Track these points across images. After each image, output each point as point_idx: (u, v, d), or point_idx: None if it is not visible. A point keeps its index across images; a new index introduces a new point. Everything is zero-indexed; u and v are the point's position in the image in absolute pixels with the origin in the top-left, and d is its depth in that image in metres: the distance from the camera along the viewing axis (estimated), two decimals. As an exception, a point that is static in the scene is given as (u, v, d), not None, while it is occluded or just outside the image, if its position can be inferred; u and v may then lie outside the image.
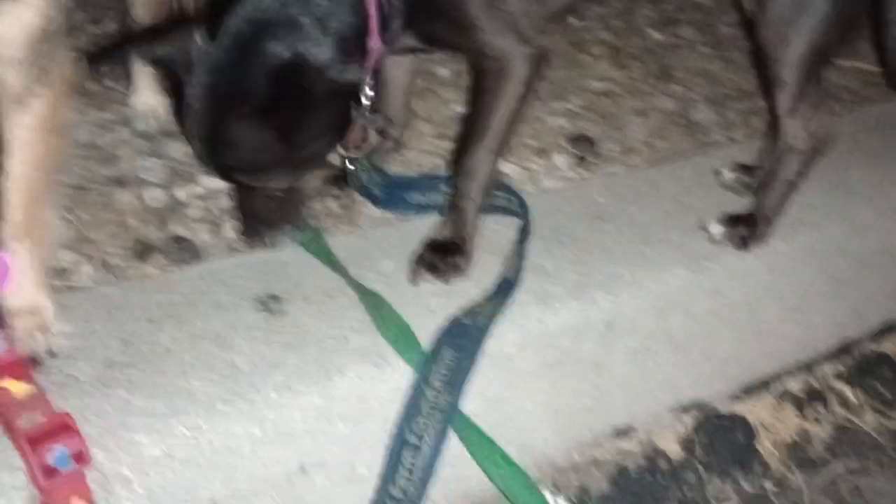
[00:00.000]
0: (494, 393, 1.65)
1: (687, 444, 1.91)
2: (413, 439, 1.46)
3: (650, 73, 2.61)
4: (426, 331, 1.56)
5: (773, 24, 1.78)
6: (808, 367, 2.10)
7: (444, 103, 2.37)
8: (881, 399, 2.07)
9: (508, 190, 1.87)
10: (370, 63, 1.69)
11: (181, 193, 1.94)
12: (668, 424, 1.92)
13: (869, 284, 2.11)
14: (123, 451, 1.34)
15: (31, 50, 1.35)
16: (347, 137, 1.75)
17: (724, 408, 1.98)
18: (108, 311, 1.56)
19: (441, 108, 2.35)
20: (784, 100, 1.83)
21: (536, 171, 2.14)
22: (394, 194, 1.89)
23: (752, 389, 2.02)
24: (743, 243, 1.86)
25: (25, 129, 1.38)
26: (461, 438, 1.53)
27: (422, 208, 1.87)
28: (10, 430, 1.29)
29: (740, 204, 1.95)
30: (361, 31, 1.63)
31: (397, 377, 1.52)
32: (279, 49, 1.53)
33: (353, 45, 1.62)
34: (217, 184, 1.93)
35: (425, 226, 1.80)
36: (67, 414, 1.31)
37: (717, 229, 1.87)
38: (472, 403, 1.58)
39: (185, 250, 1.78)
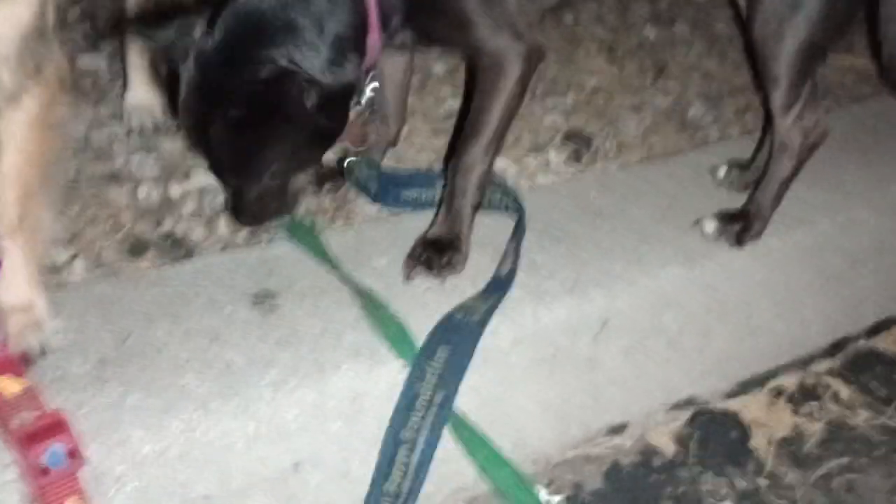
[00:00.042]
0: (489, 389, 1.65)
1: (681, 441, 1.91)
2: (407, 436, 1.46)
3: (645, 70, 2.61)
4: (420, 327, 1.56)
5: (767, 21, 1.78)
6: (801, 363, 2.10)
7: (439, 100, 2.37)
8: (874, 396, 2.07)
9: (504, 187, 1.87)
10: (369, 61, 1.69)
11: (175, 190, 1.94)
12: (662, 421, 1.92)
13: (862, 281, 2.12)
14: (117, 447, 1.34)
15: (24, 47, 1.34)
16: (347, 135, 1.76)
17: (718, 404, 1.99)
18: (101, 308, 1.56)
19: (436, 105, 2.35)
20: (778, 96, 1.83)
21: (531, 168, 2.14)
22: (389, 190, 1.89)
23: (746, 386, 2.02)
24: (737, 240, 1.86)
25: (18, 126, 1.37)
26: (454, 435, 1.53)
27: (417, 204, 1.87)
28: (3, 429, 1.28)
29: (735, 201, 1.95)
30: (360, 30, 1.63)
31: (391, 374, 1.52)
32: (271, 55, 1.53)
33: (351, 45, 1.62)
34: (210, 180, 1.93)
35: (420, 222, 1.80)
36: (61, 412, 1.31)
37: (711, 226, 1.87)
38: (467, 400, 1.58)
39: (178, 247, 1.78)
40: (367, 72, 1.75)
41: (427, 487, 1.49)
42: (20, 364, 1.39)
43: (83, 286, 1.63)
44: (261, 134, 1.56)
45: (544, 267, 1.75)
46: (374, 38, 1.65)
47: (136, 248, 1.78)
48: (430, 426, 1.46)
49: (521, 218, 1.80)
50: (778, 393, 2.05)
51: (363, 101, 1.77)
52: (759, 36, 1.80)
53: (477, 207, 1.73)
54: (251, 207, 1.70)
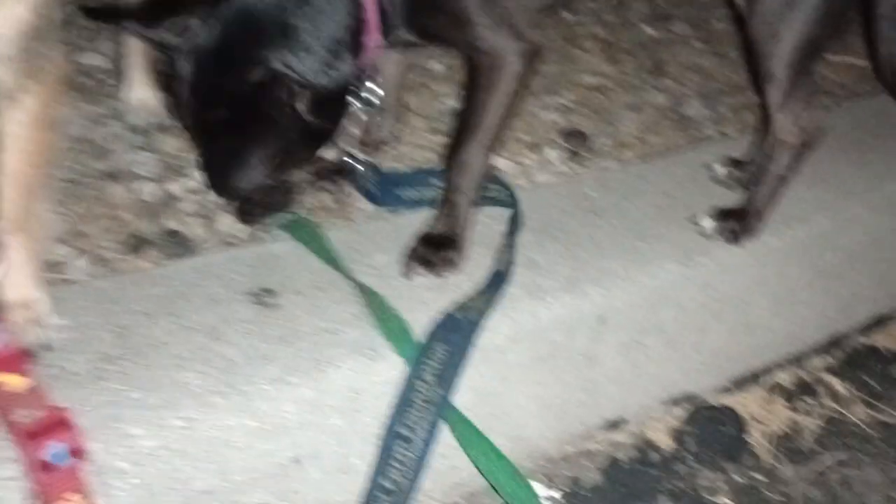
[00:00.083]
0: (487, 386, 1.66)
1: (678, 436, 1.92)
2: (405, 432, 1.47)
3: (643, 68, 2.61)
4: (419, 324, 1.57)
5: (764, 19, 1.79)
6: (797, 359, 2.11)
7: (437, 98, 2.37)
8: (870, 391, 2.09)
9: (499, 182, 1.88)
10: (367, 61, 1.70)
11: (174, 187, 1.94)
12: (659, 417, 1.94)
13: (858, 278, 2.13)
14: (118, 443, 1.35)
15: (25, 47, 1.35)
16: (362, 140, 1.78)
17: (715, 400, 2.00)
18: (102, 305, 1.56)
19: (434, 103, 2.35)
20: (775, 94, 1.84)
21: (529, 166, 2.14)
22: (387, 191, 1.90)
23: (743, 382, 2.04)
24: (734, 237, 1.87)
25: (18, 125, 1.38)
26: (452, 431, 1.54)
27: (415, 203, 1.88)
28: (7, 425, 1.29)
29: (731, 198, 1.96)
30: (357, 30, 1.63)
31: (390, 370, 1.53)
32: (264, 56, 1.54)
33: (347, 45, 1.62)
34: (211, 178, 1.93)
35: (418, 220, 1.81)
36: (65, 408, 1.32)
37: (708, 224, 1.88)
38: (465, 396, 1.59)
39: (178, 244, 1.79)
40: (364, 71, 1.76)
41: (425, 483, 1.50)
42: (24, 360, 1.39)
43: (84, 283, 1.64)
44: (251, 136, 1.57)
45: (542, 264, 1.75)
46: (371, 38, 1.66)
47: (137, 246, 1.78)
48: (427, 423, 1.47)
49: (516, 212, 1.81)
50: (774, 389, 2.06)
51: (371, 103, 1.78)
52: (756, 34, 1.81)
53: (475, 205, 1.74)
54: (251, 204, 1.72)
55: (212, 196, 1.92)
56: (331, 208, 1.95)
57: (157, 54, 1.96)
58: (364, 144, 1.89)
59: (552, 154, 2.19)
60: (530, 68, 1.69)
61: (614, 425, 1.89)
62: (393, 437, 1.47)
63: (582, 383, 1.79)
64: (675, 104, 2.46)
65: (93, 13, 1.95)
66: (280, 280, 1.66)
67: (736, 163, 2.07)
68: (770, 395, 2.04)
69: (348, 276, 1.65)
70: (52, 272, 1.64)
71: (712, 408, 1.98)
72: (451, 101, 2.36)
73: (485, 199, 1.82)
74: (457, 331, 1.56)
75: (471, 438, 1.52)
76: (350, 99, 1.74)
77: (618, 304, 1.75)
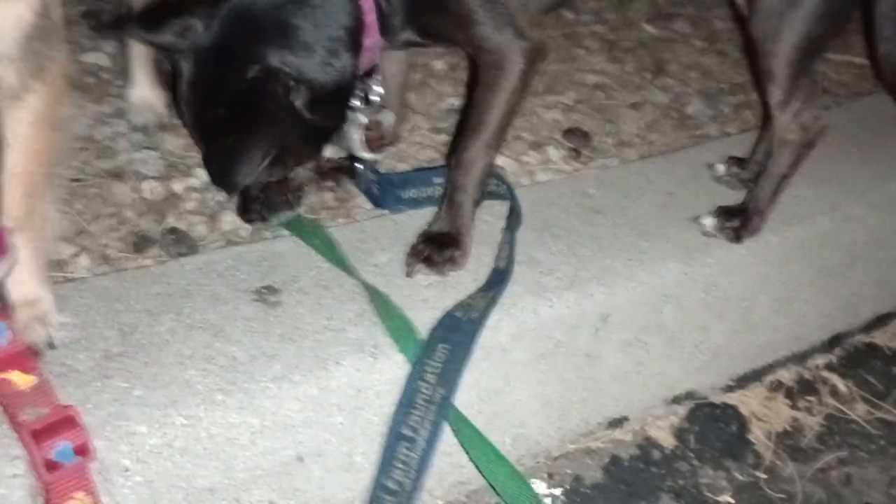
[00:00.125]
0: (489, 384, 1.66)
1: (680, 434, 1.92)
2: (408, 432, 1.47)
3: (644, 67, 2.62)
4: (421, 322, 1.57)
5: (766, 18, 1.79)
6: (799, 358, 2.12)
7: (439, 97, 2.38)
8: (871, 389, 2.09)
9: (495, 175, 1.87)
10: (368, 62, 1.71)
11: (178, 186, 1.95)
12: (661, 415, 1.94)
13: (860, 277, 2.13)
14: (122, 441, 1.35)
15: (27, 46, 1.35)
16: (367, 138, 1.78)
17: (717, 398, 2.00)
18: (106, 303, 1.57)
19: (436, 102, 2.36)
20: (776, 93, 1.84)
21: (531, 165, 2.15)
22: (388, 192, 1.90)
23: (745, 380, 2.04)
24: (735, 236, 1.88)
25: (22, 124, 1.38)
26: (454, 431, 1.54)
27: (417, 202, 1.88)
28: (14, 423, 1.29)
29: (733, 197, 1.97)
30: (356, 30, 1.64)
31: (393, 368, 1.54)
32: (262, 53, 1.55)
33: (346, 45, 1.63)
34: (213, 176, 1.94)
35: (421, 218, 1.81)
36: (70, 406, 1.32)
37: (709, 222, 1.89)
38: (467, 394, 1.60)
39: (181, 242, 1.79)
40: (369, 72, 1.77)
41: (427, 481, 1.50)
42: (30, 358, 1.39)
43: (87, 282, 1.64)
44: (250, 133, 1.58)
45: (544, 263, 1.76)
46: (371, 38, 1.66)
47: (140, 244, 1.79)
48: (430, 423, 1.47)
49: (514, 206, 1.81)
50: (776, 387, 2.06)
51: (372, 102, 1.79)
52: (757, 33, 1.81)
53: (478, 203, 1.74)
54: (254, 203, 1.72)
55: (215, 194, 1.93)
56: (333, 207, 1.96)
57: (160, 54, 1.97)
58: (368, 143, 1.89)
59: (554, 153, 2.19)
60: (534, 67, 1.70)
61: (616, 423, 1.89)
62: (396, 438, 1.47)
63: (584, 381, 1.80)
64: (677, 103, 2.47)
65: (100, 27, 1.97)
66: (283, 278, 1.66)
67: (737, 161, 2.08)
68: (772, 393, 2.05)
69: (353, 275, 1.66)
70: (55, 270, 1.65)
71: (714, 406, 1.98)
72: (453, 99, 2.37)
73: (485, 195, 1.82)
74: (458, 330, 1.56)
75: (472, 439, 1.53)
76: (351, 98, 1.74)
77: (620, 303, 1.75)
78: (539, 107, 2.36)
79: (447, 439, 1.53)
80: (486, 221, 1.82)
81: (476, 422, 1.61)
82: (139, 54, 2.11)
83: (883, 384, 2.10)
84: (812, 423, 2.00)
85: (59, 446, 1.27)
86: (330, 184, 1.98)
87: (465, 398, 1.59)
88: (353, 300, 1.62)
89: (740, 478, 1.85)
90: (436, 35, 1.76)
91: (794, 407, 2.03)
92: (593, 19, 2.86)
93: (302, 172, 1.74)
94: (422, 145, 2.17)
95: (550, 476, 1.79)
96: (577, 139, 2.24)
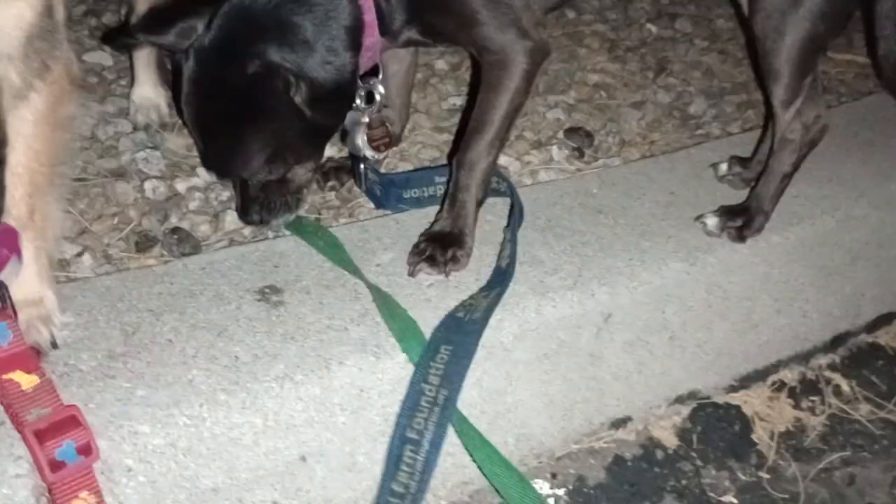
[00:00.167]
0: (493, 384, 1.66)
1: (683, 434, 1.92)
2: (413, 435, 1.47)
3: (646, 66, 2.62)
4: (424, 322, 1.57)
5: (768, 16, 1.79)
6: (802, 358, 2.11)
7: (441, 96, 2.38)
8: (875, 389, 2.09)
9: (497, 174, 1.87)
10: (368, 61, 1.71)
11: (181, 186, 1.95)
12: (664, 415, 1.94)
13: (863, 276, 2.13)
14: (126, 441, 1.35)
15: (29, 45, 1.35)
16: (370, 138, 1.79)
17: (720, 398, 2.00)
18: (109, 303, 1.57)
19: (438, 101, 2.36)
20: (779, 92, 1.84)
21: (533, 164, 2.15)
22: (390, 192, 1.90)
23: (748, 380, 2.04)
24: (738, 236, 1.87)
25: (26, 123, 1.39)
26: (457, 433, 1.54)
27: (419, 202, 1.88)
28: (18, 423, 1.29)
29: (736, 196, 1.96)
30: (356, 30, 1.64)
31: (396, 368, 1.54)
32: (262, 50, 1.57)
33: (346, 44, 1.64)
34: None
35: (424, 218, 1.81)
36: (74, 406, 1.32)
37: (712, 222, 1.88)
38: (471, 394, 1.60)
39: (184, 242, 1.79)
40: (370, 72, 1.77)
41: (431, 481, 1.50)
42: (33, 358, 1.39)
43: (90, 281, 1.64)
44: (249, 127, 1.59)
45: (547, 263, 1.76)
46: (371, 38, 1.67)
47: (143, 244, 1.79)
48: (434, 425, 1.47)
49: (515, 203, 1.81)
50: (779, 387, 2.06)
51: (375, 102, 1.79)
52: (760, 31, 1.81)
53: (481, 203, 1.74)
54: (256, 205, 1.72)
55: (218, 194, 1.93)
56: (335, 206, 1.96)
57: (163, 54, 1.98)
58: (371, 142, 1.89)
59: (556, 152, 2.19)
60: (537, 67, 1.70)
61: (619, 423, 1.89)
62: (401, 441, 1.47)
63: (587, 381, 1.80)
64: (679, 102, 2.47)
65: (111, 40, 1.99)
66: (286, 278, 1.66)
67: (740, 161, 2.07)
68: (775, 393, 2.04)
69: (358, 276, 1.65)
70: (59, 270, 1.65)
71: (717, 406, 1.98)
72: (455, 99, 2.37)
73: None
74: (460, 331, 1.56)
75: (475, 441, 1.52)
76: (352, 97, 1.75)
77: (623, 303, 1.75)
78: (541, 106, 2.37)
79: (449, 440, 1.53)
80: (489, 221, 1.82)
81: (479, 422, 1.61)
82: (142, 54, 2.11)
83: (886, 384, 2.10)
84: (815, 423, 1.99)
85: (63, 446, 1.27)
86: (332, 183, 1.98)
87: (468, 398, 1.59)
88: (356, 300, 1.62)
89: (743, 478, 1.85)
90: (439, 35, 1.76)
91: (797, 407, 2.03)
92: (595, 18, 2.86)
93: (302, 174, 1.74)
94: (424, 145, 2.17)
95: (554, 476, 1.79)
96: (580, 138, 2.24)
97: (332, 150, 2.02)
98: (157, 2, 2.05)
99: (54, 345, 1.45)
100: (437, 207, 1.79)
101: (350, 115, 1.81)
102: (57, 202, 1.49)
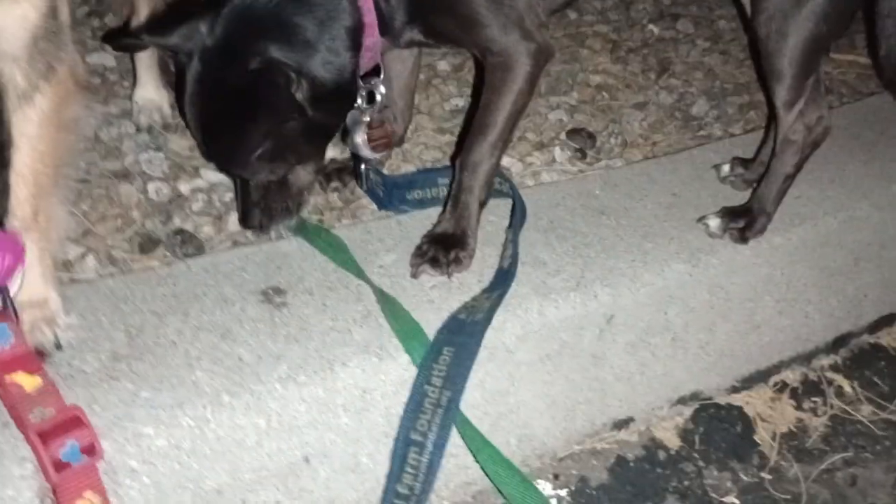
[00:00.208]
0: (495, 385, 1.67)
1: (685, 435, 1.92)
2: (417, 437, 1.47)
3: (648, 67, 2.62)
4: (427, 323, 1.57)
5: (771, 17, 1.79)
6: (804, 359, 2.12)
7: (444, 97, 2.38)
8: (877, 390, 2.09)
9: (499, 175, 1.87)
10: (368, 62, 1.71)
11: (184, 187, 1.95)
12: (666, 416, 1.94)
13: (865, 277, 2.13)
14: (130, 442, 1.35)
15: (34, 46, 1.36)
16: (369, 138, 1.79)
17: (722, 399, 2.00)
18: (112, 304, 1.57)
19: (441, 102, 2.36)
20: (781, 93, 1.84)
21: (536, 165, 2.15)
22: (392, 194, 1.91)
23: (750, 381, 2.04)
24: (741, 237, 1.87)
25: (31, 125, 1.39)
26: (460, 434, 1.54)
27: (422, 203, 1.88)
28: (21, 424, 1.30)
29: (738, 198, 1.97)
30: (356, 31, 1.65)
31: (399, 369, 1.54)
32: (264, 48, 1.57)
33: (346, 44, 1.64)
34: (219, 177, 1.95)
35: (426, 219, 1.81)
36: (77, 407, 1.32)
37: (714, 223, 1.89)
38: (473, 395, 1.60)
39: (188, 243, 1.80)
40: (372, 72, 1.77)
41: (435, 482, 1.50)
42: (36, 359, 1.40)
43: (94, 282, 1.65)
44: (250, 123, 1.60)
45: (549, 264, 1.76)
46: (371, 38, 1.67)
47: (147, 245, 1.79)
48: (438, 427, 1.47)
49: (517, 203, 1.82)
50: (781, 388, 2.06)
51: (376, 102, 1.79)
52: (762, 32, 1.81)
53: (484, 204, 1.74)
54: (257, 208, 1.72)
55: (221, 195, 1.94)
56: (338, 207, 1.96)
57: (166, 55, 1.99)
58: (371, 143, 1.89)
59: (559, 153, 2.19)
60: (540, 69, 1.70)
61: (621, 424, 1.90)
62: (405, 443, 1.47)
63: (589, 382, 1.80)
64: (681, 103, 2.47)
65: (114, 41, 2.00)
66: (289, 279, 1.67)
67: (742, 162, 2.07)
68: (777, 394, 2.04)
69: (363, 278, 1.66)
70: (62, 271, 1.65)
71: (719, 407, 1.98)
72: (457, 100, 2.37)
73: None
74: (462, 332, 1.56)
75: (478, 443, 1.53)
76: (352, 97, 1.75)
77: (625, 304, 1.75)
78: (543, 107, 2.37)
79: (452, 441, 1.53)
80: (491, 222, 1.82)
81: (481, 423, 1.62)
82: (144, 55, 2.12)
83: (888, 385, 2.10)
84: (817, 423, 1.99)
85: (67, 446, 1.28)
86: (335, 184, 1.99)
87: (471, 399, 1.59)
88: (359, 301, 1.63)
89: (745, 478, 1.85)
90: (442, 36, 1.76)
91: (799, 408, 2.03)
92: (597, 19, 2.86)
93: (304, 175, 1.74)
94: (426, 146, 2.18)
95: (556, 477, 1.80)
96: (582, 140, 2.24)
97: (334, 152, 2.02)
98: (158, 5, 2.06)
99: (58, 346, 1.45)
100: (439, 209, 1.79)
101: (351, 115, 1.82)
102: (61, 203, 1.50)
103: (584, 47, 2.68)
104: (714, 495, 1.81)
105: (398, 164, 2.09)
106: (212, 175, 1.96)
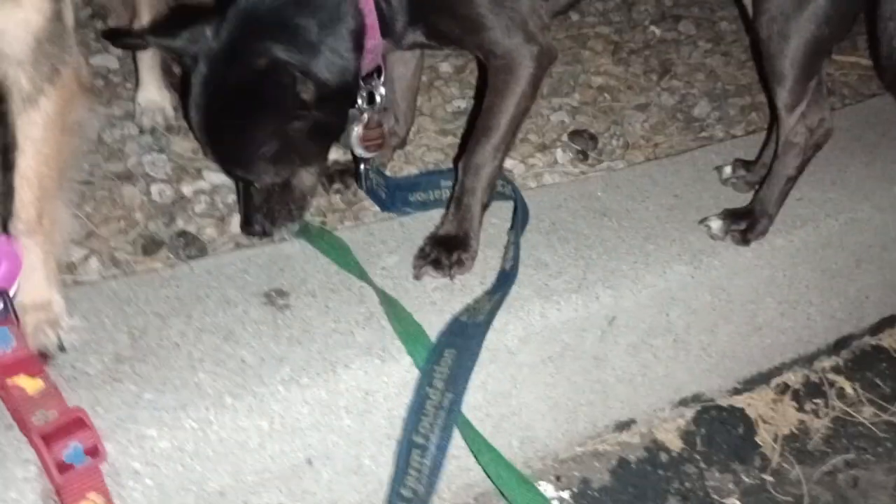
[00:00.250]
0: (497, 387, 1.67)
1: (687, 437, 1.93)
2: (419, 440, 1.47)
3: (650, 69, 2.62)
4: (429, 325, 1.58)
5: (773, 19, 1.79)
6: (806, 360, 2.12)
7: (446, 99, 2.39)
8: (879, 392, 2.09)
9: (501, 177, 1.87)
10: (370, 64, 1.72)
11: (186, 189, 1.96)
12: (668, 417, 1.94)
13: (867, 279, 2.13)
14: (133, 444, 1.36)
15: (38, 49, 1.36)
16: (364, 137, 1.79)
17: (724, 401, 2.00)
18: (116, 306, 1.57)
19: (443, 104, 2.37)
20: (783, 94, 1.84)
21: (538, 167, 2.15)
22: (395, 196, 1.91)
23: (752, 383, 2.04)
24: (742, 238, 1.88)
25: (36, 127, 1.39)
26: (463, 436, 1.55)
27: (424, 205, 1.89)
28: (24, 427, 1.30)
29: (740, 199, 1.97)
30: (358, 33, 1.65)
31: (401, 371, 1.54)
32: (270, 48, 1.58)
33: (348, 46, 1.65)
34: (222, 179, 1.95)
35: (429, 221, 1.81)
36: (80, 409, 1.33)
37: (716, 225, 1.89)
38: (476, 397, 1.61)
39: (191, 245, 1.80)
40: (373, 74, 1.78)
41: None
42: (38, 362, 1.40)
43: (98, 285, 1.65)
44: (256, 122, 1.60)
45: (551, 266, 1.76)
46: (372, 41, 1.68)
47: (150, 247, 1.80)
48: (440, 429, 1.48)
49: (519, 204, 1.82)
50: (783, 389, 2.06)
51: (376, 103, 1.80)
52: (764, 34, 1.81)
53: (486, 206, 1.75)
54: (259, 213, 1.73)
55: (224, 197, 1.94)
56: (340, 209, 1.96)
57: (171, 58, 1.99)
58: (364, 142, 1.89)
59: (561, 155, 2.20)
60: (543, 71, 1.70)
61: (623, 426, 1.90)
62: (408, 446, 1.48)
63: (591, 384, 1.80)
64: (683, 105, 2.47)
65: (111, 36, 2.01)
66: (292, 281, 1.67)
67: (744, 164, 2.08)
68: (778, 395, 2.05)
69: (367, 280, 1.66)
70: (66, 273, 1.65)
71: (721, 408, 1.98)
72: (459, 102, 2.37)
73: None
74: (464, 334, 1.56)
75: (480, 445, 1.53)
76: (353, 99, 1.75)
77: (627, 305, 1.76)
78: (545, 109, 2.37)
79: (454, 443, 1.53)
80: (493, 224, 1.83)
81: (484, 424, 1.62)
82: (146, 57, 2.12)
83: (890, 387, 2.10)
84: (819, 425, 2.00)
85: (70, 448, 1.28)
86: (337, 186, 1.99)
87: (473, 401, 1.60)
88: (362, 303, 1.63)
89: (747, 480, 1.86)
90: (444, 38, 1.76)
91: (800, 409, 2.03)
92: (599, 21, 2.86)
93: (307, 178, 1.75)
94: (428, 147, 2.18)
95: (558, 478, 1.80)
96: (584, 141, 2.24)
97: (336, 154, 2.02)
98: (159, 7, 2.06)
99: (62, 348, 1.46)
100: (442, 211, 1.80)
101: (350, 113, 1.82)
102: (65, 206, 1.50)
103: (585, 49, 2.69)
104: (716, 497, 1.81)
105: (400, 166, 2.09)
106: (214, 177, 1.96)
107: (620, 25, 2.84)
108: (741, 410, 1.99)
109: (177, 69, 2.16)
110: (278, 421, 1.46)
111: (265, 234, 1.76)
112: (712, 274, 1.85)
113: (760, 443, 1.94)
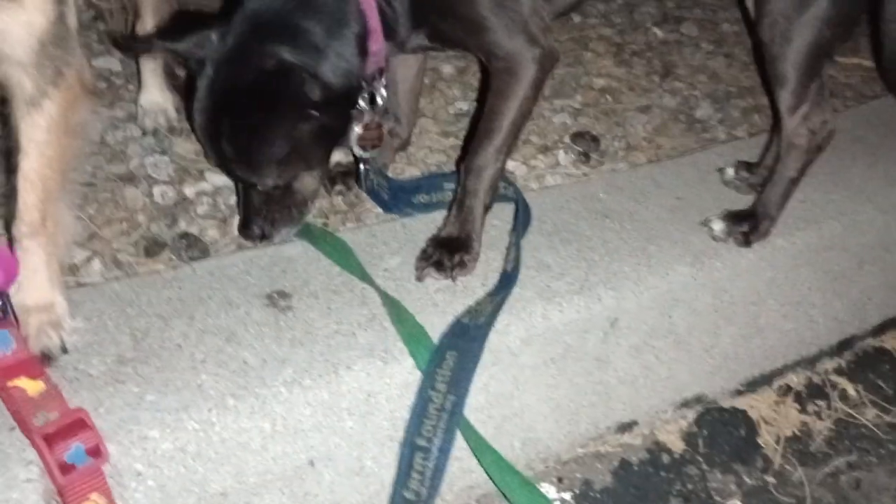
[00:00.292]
0: (500, 388, 1.67)
1: (689, 439, 1.93)
2: (422, 442, 1.48)
3: (653, 71, 2.62)
4: (432, 327, 1.58)
5: (775, 21, 1.79)
6: (808, 362, 2.12)
7: (448, 101, 2.39)
8: (881, 394, 2.09)
9: (503, 179, 1.87)
10: (373, 66, 1.72)
11: (189, 190, 1.96)
12: (670, 419, 1.94)
13: (869, 280, 2.13)
14: (135, 445, 1.36)
15: (42, 52, 1.36)
16: (361, 136, 1.79)
17: (726, 402, 2.00)
18: (118, 308, 1.58)
19: (446, 106, 2.37)
20: (785, 97, 1.84)
21: (540, 169, 2.15)
22: (398, 197, 1.91)
23: (754, 384, 2.04)
24: (745, 240, 1.88)
25: (39, 130, 1.40)
26: (464, 438, 1.55)
27: (427, 207, 1.89)
28: (26, 428, 1.30)
29: (742, 201, 1.97)
30: (362, 36, 1.66)
31: (403, 373, 1.54)
32: (277, 51, 1.59)
33: (352, 49, 1.65)
34: (224, 180, 1.95)
35: (431, 222, 1.82)
36: (82, 410, 1.33)
37: (719, 226, 1.89)
38: (478, 398, 1.61)
39: (193, 247, 1.80)
40: (376, 76, 1.78)
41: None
42: (40, 363, 1.40)
43: (100, 286, 1.65)
44: (265, 123, 1.61)
45: (554, 267, 1.76)
46: (376, 44, 1.68)
47: (152, 249, 1.80)
48: (442, 431, 1.48)
49: (521, 206, 1.82)
50: (785, 391, 2.06)
51: (377, 104, 1.80)
52: (766, 36, 1.81)
53: (488, 208, 1.75)
54: (258, 216, 1.73)
55: (226, 198, 1.94)
56: (343, 210, 1.96)
57: (176, 61, 2.00)
58: (363, 142, 1.89)
59: (563, 157, 2.20)
60: (545, 73, 1.71)
61: (625, 427, 1.90)
62: (411, 449, 1.48)
63: (593, 386, 1.80)
64: (685, 106, 2.47)
65: (116, 41, 2.01)
66: (294, 282, 1.67)
67: (746, 165, 2.08)
68: (781, 397, 2.05)
69: (369, 282, 1.66)
70: (68, 275, 1.65)
71: (723, 410, 1.98)
72: (461, 103, 2.37)
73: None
74: (466, 336, 1.56)
75: (481, 447, 1.53)
76: (356, 101, 1.76)
77: (629, 307, 1.76)
78: (547, 110, 2.37)
79: (456, 444, 1.53)
80: (495, 225, 1.83)
81: (486, 426, 1.62)
82: (149, 59, 2.12)
83: (892, 388, 2.10)
84: (821, 427, 2.00)
85: (72, 449, 1.28)
86: (339, 188, 1.99)
87: (475, 402, 1.60)
88: (364, 304, 1.63)
89: (749, 482, 1.86)
90: (447, 40, 1.77)
91: (803, 411, 2.03)
92: (601, 22, 2.86)
93: (310, 181, 1.75)
94: (430, 149, 2.18)
95: (560, 480, 1.80)
96: (586, 143, 2.24)
97: (338, 155, 2.03)
98: (162, 11, 2.07)
99: (64, 350, 1.46)
100: (444, 213, 1.80)
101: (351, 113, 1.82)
102: (67, 208, 1.50)
103: (587, 50, 2.69)
104: (718, 498, 1.81)
105: (402, 168, 2.09)
106: (217, 178, 1.96)
107: (622, 27, 2.84)
108: (743, 412, 1.99)
109: (179, 71, 2.16)
110: (280, 422, 1.46)
111: (264, 237, 1.76)
112: (714, 275, 1.85)
113: (762, 444, 1.94)
